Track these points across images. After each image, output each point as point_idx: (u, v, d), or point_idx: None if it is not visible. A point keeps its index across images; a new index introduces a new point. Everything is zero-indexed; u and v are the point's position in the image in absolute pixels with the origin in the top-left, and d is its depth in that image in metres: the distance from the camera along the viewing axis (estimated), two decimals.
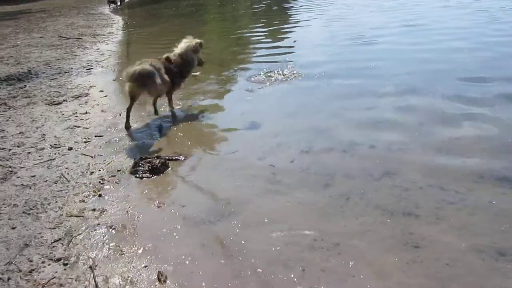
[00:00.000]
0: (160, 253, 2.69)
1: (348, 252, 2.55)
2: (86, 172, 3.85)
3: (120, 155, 4.19)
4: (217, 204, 3.18)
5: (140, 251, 2.71)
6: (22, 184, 3.68)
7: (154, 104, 5.24)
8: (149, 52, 10.25)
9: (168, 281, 2.43)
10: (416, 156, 3.61)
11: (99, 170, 3.87)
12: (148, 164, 3.77)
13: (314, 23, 10.75)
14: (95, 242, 2.84)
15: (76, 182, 3.68)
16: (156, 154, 4.02)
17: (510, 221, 2.70)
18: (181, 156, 4.03)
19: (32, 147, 4.49)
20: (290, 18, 12.61)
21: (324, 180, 3.36)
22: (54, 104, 5.89)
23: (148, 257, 2.65)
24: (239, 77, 6.57)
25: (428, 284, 2.27)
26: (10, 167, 4.02)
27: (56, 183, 3.67)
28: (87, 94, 6.34)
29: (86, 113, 5.48)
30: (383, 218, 2.83)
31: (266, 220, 2.92)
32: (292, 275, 2.39)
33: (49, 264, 2.64)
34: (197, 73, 6.05)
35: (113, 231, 2.95)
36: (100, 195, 3.44)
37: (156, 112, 5.21)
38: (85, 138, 4.64)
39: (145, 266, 2.57)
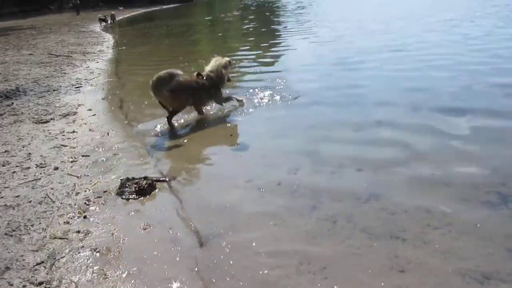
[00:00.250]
0: (145, 276, 2.65)
1: (334, 276, 2.53)
2: (72, 193, 3.81)
3: (107, 175, 4.15)
4: (204, 227, 3.16)
5: (124, 275, 2.67)
6: (5, 205, 3.62)
7: (169, 118, 5.45)
8: (139, 71, 10.31)
9: None
10: (402, 179, 3.63)
11: (85, 191, 3.83)
12: (135, 185, 3.74)
13: (302, 45, 10.89)
14: (78, 265, 2.79)
15: (61, 203, 3.63)
16: (143, 175, 3.99)
17: (495, 244, 2.71)
18: (168, 177, 4.01)
19: (17, 166, 4.44)
20: (278, 40, 12.77)
21: (311, 202, 3.36)
22: (41, 123, 5.86)
23: (132, 281, 2.61)
24: None
25: None
26: None
27: (40, 204, 3.62)
28: (75, 113, 6.32)
29: (74, 132, 5.45)
30: (370, 241, 2.83)
31: (253, 244, 2.90)
32: None
33: None
34: (241, 99, 6.06)
35: (97, 254, 2.90)
36: (85, 217, 3.39)
37: (171, 126, 5.45)
38: (71, 158, 4.60)
39: None
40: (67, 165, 4.42)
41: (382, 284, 2.44)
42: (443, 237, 2.83)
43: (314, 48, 10.34)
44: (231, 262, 2.72)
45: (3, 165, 4.46)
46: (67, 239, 3.10)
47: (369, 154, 4.17)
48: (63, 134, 5.38)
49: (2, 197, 3.76)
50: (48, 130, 5.53)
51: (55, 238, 3.11)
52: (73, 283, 2.61)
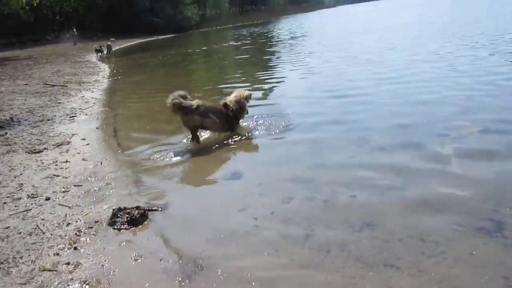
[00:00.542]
0: None
1: None
2: (63, 223, 3.76)
3: (99, 205, 4.11)
4: (196, 258, 3.11)
5: None
6: None
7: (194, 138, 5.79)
8: (134, 100, 10.38)
9: None
10: (395, 206, 3.62)
11: (76, 221, 3.78)
12: (127, 215, 3.71)
13: (295, 76, 11.01)
14: None
15: (52, 234, 3.58)
16: (135, 205, 3.95)
17: (489, 272, 2.69)
18: (161, 207, 3.98)
19: (8, 197, 4.39)
20: (272, 70, 12.91)
21: (305, 231, 3.33)
22: (35, 152, 5.83)
23: None
24: None
25: None
26: None
27: (30, 235, 3.57)
28: (68, 142, 6.31)
29: (67, 161, 5.43)
30: (364, 270, 2.80)
31: (247, 274, 2.86)
32: None
33: None
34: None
35: (87, 286, 2.85)
36: (75, 248, 3.34)
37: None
38: (63, 188, 4.56)
39: None
40: (59, 195, 4.38)
41: None
42: (438, 265, 2.80)
43: (307, 78, 10.46)
44: None
45: None
46: (56, 271, 3.04)
47: (362, 181, 4.17)
48: (56, 164, 5.35)
49: None
50: (41, 160, 5.51)
51: (44, 270, 3.05)
52: None
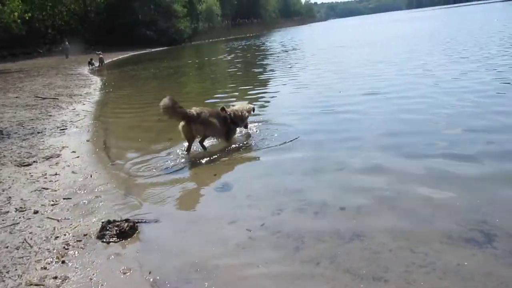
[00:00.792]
0: None
1: None
2: (51, 237, 3.71)
3: (88, 218, 4.07)
4: (186, 270, 3.09)
5: None
6: None
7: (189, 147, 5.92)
8: (125, 113, 10.37)
9: None
10: (385, 218, 3.63)
11: (65, 235, 3.74)
12: (116, 228, 3.68)
13: (286, 89, 11.06)
14: None
15: (39, 248, 3.53)
16: (125, 217, 3.93)
17: (478, 284, 2.70)
18: (150, 219, 3.96)
19: None
20: (263, 83, 12.96)
21: (295, 243, 3.32)
22: (24, 165, 5.78)
23: None
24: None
25: None
26: None
27: (17, 249, 3.52)
28: (58, 155, 6.26)
29: (56, 174, 5.39)
30: (354, 283, 2.79)
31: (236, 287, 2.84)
32: None
33: None
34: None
35: None
36: (63, 262, 3.30)
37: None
38: (52, 201, 4.52)
39: None
40: (48, 209, 4.34)
41: None
42: (427, 277, 2.80)
43: (298, 91, 10.52)
44: None
45: None
46: (43, 285, 2.99)
47: (352, 193, 4.19)
48: (45, 177, 5.31)
49: None
50: (30, 173, 5.46)
51: (31, 285, 3.01)
52: None
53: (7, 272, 3.18)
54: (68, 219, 4.08)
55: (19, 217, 4.15)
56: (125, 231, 3.66)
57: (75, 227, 3.88)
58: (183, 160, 5.69)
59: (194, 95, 13.06)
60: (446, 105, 7.21)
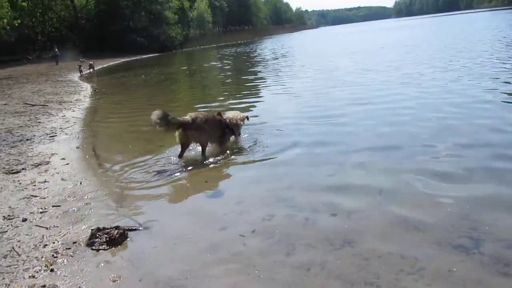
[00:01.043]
0: None
1: None
2: (39, 245, 3.67)
3: (78, 225, 4.04)
4: (176, 278, 3.08)
5: None
6: None
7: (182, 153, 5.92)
8: (116, 119, 10.33)
9: None
10: (375, 224, 3.65)
11: (54, 243, 3.70)
12: (106, 235, 3.65)
13: (276, 97, 11.09)
14: None
15: (28, 256, 3.49)
16: (115, 224, 3.90)
17: None
18: (141, 226, 3.93)
19: None
20: (254, 90, 12.97)
21: (285, 250, 3.33)
22: (12, 173, 5.72)
23: None
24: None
25: None
26: None
27: (5, 258, 3.47)
28: (47, 162, 6.21)
29: (45, 181, 5.34)
30: None
31: None
32: None
33: None
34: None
35: None
36: (52, 270, 3.26)
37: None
38: (41, 209, 4.48)
39: None
40: (36, 216, 4.29)
41: None
42: (416, 283, 2.82)
43: (288, 99, 10.55)
44: None
45: None
46: None
47: (343, 199, 4.20)
48: (34, 184, 5.26)
49: None
50: (19, 181, 5.40)
51: None
52: None
53: None
54: (57, 226, 4.04)
55: (7, 225, 4.10)
56: (115, 239, 3.63)
57: (64, 235, 3.84)
58: (174, 166, 5.67)
59: (185, 102, 13.03)
60: (431, 117, 7.25)
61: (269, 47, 44.19)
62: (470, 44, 19.87)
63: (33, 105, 12.22)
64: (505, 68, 11.49)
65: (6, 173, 5.72)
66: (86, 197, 4.74)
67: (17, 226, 4.08)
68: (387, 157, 5.35)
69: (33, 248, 3.63)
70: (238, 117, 6.39)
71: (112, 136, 8.48)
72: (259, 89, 13.07)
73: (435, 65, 13.86)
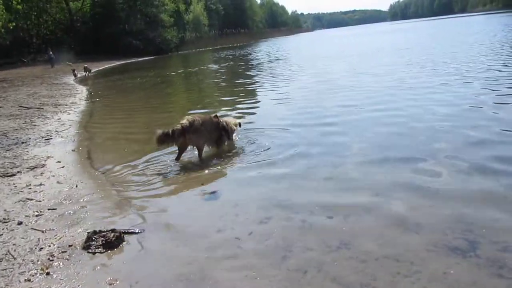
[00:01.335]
0: None
1: None
2: (35, 248, 3.66)
3: (73, 229, 4.02)
4: (173, 280, 3.07)
5: None
6: None
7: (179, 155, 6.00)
8: (111, 122, 10.30)
9: None
10: (372, 226, 3.66)
11: (49, 246, 3.69)
12: (102, 238, 3.64)
13: (271, 99, 11.11)
14: None
15: (23, 260, 3.48)
16: (111, 227, 3.89)
17: None
18: (137, 229, 3.92)
19: None
20: (249, 94, 12.94)
21: (282, 252, 3.33)
22: (7, 176, 5.70)
23: None
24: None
25: None
26: None
27: (1, 261, 3.45)
28: (43, 165, 6.19)
29: (41, 185, 5.32)
30: None
31: None
32: None
33: None
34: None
35: None
36: (48, 273, 3.25)
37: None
38: (37, 212, 4.46)
39: None
40: (32, 220, 4.27)
41: None
42: (412, 285, 2.83)
43: (283, 103, 10.54)
44: None
45: None
46: None
47: (339, 202, 4.22)
48: (29, 187, 5.24)
49: None
50: (14, 184, 5.38)
51: None
52: None
53: None
54: (53, 229, 4.02)
55: (2, 229, 4.08)
56: (111, 242, 3.62)
57: (60, 238, 3.83)
58: (170, 168, 5.67)
59: (181, 105, 13.03)
60: (427, 119, 7.30)
61: (264, 50, 44.25)
62: (468, 48, 19.96)
63: (28, 108, 12.17)
64: (499, 70, 11.57)
65: (1, 176, 5.69)
66: (82, 200, 4.73)
67: (13, 229, 4.06)
68: (383, 159, 5.37)
69: (28, 251, 3.62)
70: (232, 122, 6.52)
71: (108, 139, 8.46)
72: (255, 92, 13.07)
73: (425, 66, 13.94)
